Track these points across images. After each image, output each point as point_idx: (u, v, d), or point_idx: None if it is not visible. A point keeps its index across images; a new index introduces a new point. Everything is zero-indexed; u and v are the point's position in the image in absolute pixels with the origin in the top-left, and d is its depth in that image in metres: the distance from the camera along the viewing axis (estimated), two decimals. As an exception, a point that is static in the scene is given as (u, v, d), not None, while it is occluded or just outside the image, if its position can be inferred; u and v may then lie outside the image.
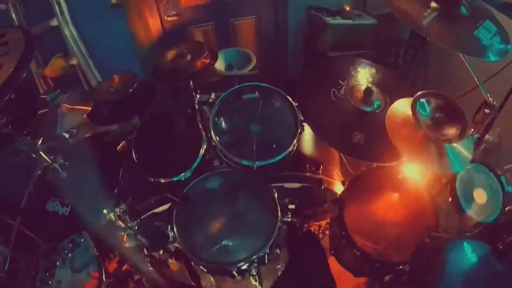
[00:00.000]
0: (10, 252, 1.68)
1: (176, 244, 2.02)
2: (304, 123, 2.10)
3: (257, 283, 2.01)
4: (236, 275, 1.76)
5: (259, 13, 3.08)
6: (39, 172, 1.70)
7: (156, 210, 2.03)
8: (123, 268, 2.00)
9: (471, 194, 1.68)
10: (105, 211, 1.80)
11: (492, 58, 1.50)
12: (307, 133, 2.20)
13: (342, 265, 1.93)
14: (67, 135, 1.65)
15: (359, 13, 3.04)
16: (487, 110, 1.67)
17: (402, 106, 1.73)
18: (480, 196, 1.65)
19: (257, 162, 1.94)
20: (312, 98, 2.05)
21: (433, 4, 1.52)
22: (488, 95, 1.67)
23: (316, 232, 2.21)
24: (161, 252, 2.08)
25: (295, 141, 2.03)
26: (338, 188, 2.15)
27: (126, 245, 2.02)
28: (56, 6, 2.51)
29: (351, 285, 2.00)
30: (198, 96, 2.15)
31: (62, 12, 2.56)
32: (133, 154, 1.95)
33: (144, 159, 1.98)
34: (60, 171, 1.64)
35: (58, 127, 1.60)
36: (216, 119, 2.08)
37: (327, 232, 2.13)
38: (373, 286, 1.92)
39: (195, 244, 1.74)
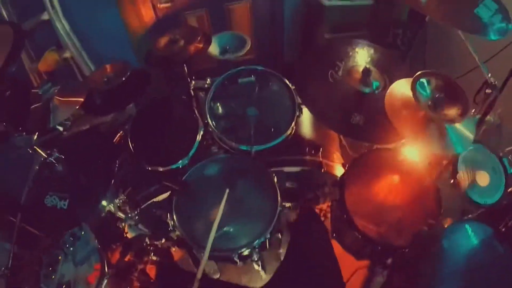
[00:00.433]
0: (13, 248, 1.64)
1: (177, 233, 2.00)
2: (302, 106, 2.03)
3: (260, 268, 2.00)
4: (237, 261, 1.73)
5: (254, -4, 2.97)
6: (37, 167, 1.64)
7: (156, 199, 1.99)
8: (126, 259, 1.98)
9: (473, 176, 1.63)
10: (104, 202, 1.77)
11: (493, 37, 1.43)
12: (306, 116, 2.13)
13: (344, 248, 1.90)
14: (61, 128, 1.59)
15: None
16: (488, 91, 1.60)
17: (401, 87, 1.67)
18: (482, 178, 1.60)
19: (255, 147, 1.88)
20: (310, 81, 1.99)
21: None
22: (489, 75, 1.59)
23: (318, 216, 2.17)
24: (163, 240, 2.06)
25: (293, 124, 1.96)
26: (339, 171, 2.10)
27: (128, 235, 2.00)
28: (47, -1, 2.42)
29: (353, 267, 1.97)
30: (193, 82, 2.07)
31: (53, 5, 2.47)
32: (129, 143, 1.89)
33: (140, 148, 1.92)
34: (56, 164, 1.59)
35: (51, 120, 1.53)
36: (212, 104, 2.01)
37: (329, 215, 2.10)
38: (375, 269, 1.89)
39: (196, 232, 1.70)
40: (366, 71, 1.79)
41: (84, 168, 1.65)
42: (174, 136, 2.00)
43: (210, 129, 1.95)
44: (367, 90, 1.82)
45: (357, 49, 1.96)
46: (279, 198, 1.75)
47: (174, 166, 1.89)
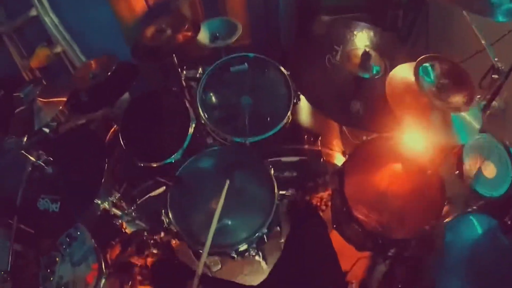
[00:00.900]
0: (12, 250, 1.59)
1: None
2: (299, 93, 1.90)
3: (261, 259, 1.94)
4: (235, 256, 1.67)
5: (249, -22, 2.77)
6: (29, 169, 1.57)
7: (152, 194, 1.91)
8: (126, 253, 1.94)
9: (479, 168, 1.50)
10: (98, 201, 1.70)
11: (500, 18, 1.27)
12: (304, 103, 2.00)
13: (345, 239, 1.82)
14: (47, 130, 1.50)
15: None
16: (495, 76, 1.45)
17: (403, 72, 1.53)
18: (488, 169, 1.47)
19: (250, 138, 1.76)
20: (306, 66, 1.85)
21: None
22: (496, 59, 1.44)
23: (318, 204, 2.09)
24: (163, 234, 2.01)
25: (289, 113, 1.84)
26: (338, 159, 1.99)
27: (127, 230, 1.94)
28: (34, -5, 2.29)
29: (355, 257, 1.90)
30: (184, 72, 1.94)
31: (40, 1, 2.34)
32: (121, 140, 1.79)
33: (132, 143, 1.82)
34: (46, 167, 1.50)
35: (35, 122, 1.44)
36: (203, 94, 1.88)
37: (329, 204, 2.01)
38: (377, 259, 1.82)
39: (193, 227, 1.64)
40: (366, 55, 1.65)
41: (74, 168, 1.57)
42: (166, 129, 1.88)
43: (203, 121, 1.84)
44: (366, 75, 1.68)
45: (355, 32, 1.80)
46: (276, 191, 1.65)
47: (167, 161, 1.79)
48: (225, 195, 1.62)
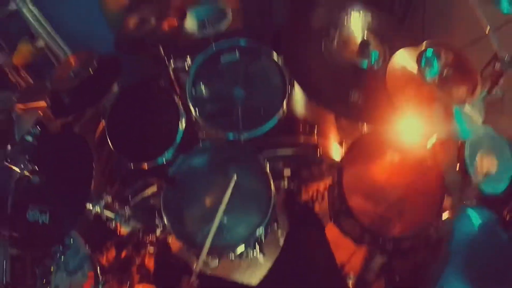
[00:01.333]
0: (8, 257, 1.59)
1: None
2: (294, 82, 1.82)
3: (258, 254, 1.94)
4: (233, 257, 1.66)
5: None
6: (16, 179, 1.52)
7: (145, 193, 1.87)
8: (123, 254, 1.94)
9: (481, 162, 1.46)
10: (89, 206, 1.67)
11: (506, 10, 1.19)
12: (298, 91, 1.92)
13: (341, 232, 1.80)
14: (29, 138, 1.44)
15: None
16: (497, 65, 1.37)
17: (404, 59, 1.45)
18: (490, 164, 1.43)
19: (244, 135, 1.70)
20: (301, 52, 1.75)
21: None
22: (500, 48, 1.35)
23: (314, 196, 2.07)
24: (158, 232, 1.99)
25: (284, 106, 1.76)
26: (335, 150, 1.95)
27: (122, 231, 1.93)
28: (10, -12, 2.13)
29: (351, 249, 1.89)
30: (172, 64, 1.85)
31: (19, -7, 2.19)
32: (108, 140, 1.73)
33: (121, 144, 1.74)
34: (31, 177, 1.45)
35: (16, 131, 1.38)
36: (193, 87, 1.80)
37: (326, 195, 1.99)
38: (374, 252, 1.83)
39: (188, 228, 1.61)
40: (365, 44, 1.55)
41: (61, 176, 1.51)
42: (156, 126, 1.80)
43: (194, 116, 1.76)
44: (365, 63, 1.60)
45: (352, 14, 1.70)
46: (272, 186, 1.61)
47: (159, 161, 1.74)
48: (219, 192, 1.59)
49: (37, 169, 1.45)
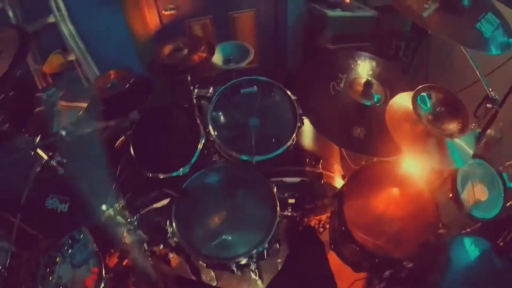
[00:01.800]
0: (12, 247, 1.67)
1: (175, 239, 2.02)
2: (304, 118, 2.07)
3: (257, 277, 2.01)
4: (235, 270, 1.75)
5: (258, 6, 3.03)
6: (38, 169, 1.67)
7: (156, 205, 2.02)
8: (124, 263, 2.00)
9: (472, 190, 1.65)
10: (104, 207, 1.80)
11: (494, 52, 1.46)
12: (307, 127, 2.17)
13: (342, 260, 1.91)
14: (64, 132, 1.63)
15: (359, 5, 2.99)
16: (489, 105, 1.63)
17: (402, 100, 1.70)
18: (481, 192, 1.62)
19: (256, 157, 1.91)
20: (312, 92, 2.02)
21: (434, -4, 1.48)
22: (490, 89, 1.63)
23: (316, 226, 2.19)
24: (161, 247, 2.09)
25: (294, 135, 2.00)
26: (338, 182, 2.13)
27: (126, 240, 2.02)
28: (53, 2, 2.48)
29: (351, 279, 1.99)
30: (196, 90, 2.12)
31: (59, 8, 2.53)
32: (131, 149, 1.93)
33: (142, 154, 1.95)
34: (58, 168, 1.62)
35: (54, 124, 1.57)
36: (214, 113, 2.05)
37: (327, 226, 2.12)
38: (373, 281, 1.91)
39: (195, 239, 1.73)
40: (368, 84, 1.83)
41: (86, 173, 1.68)
42: (176, 143, 2.03)
43: (212, 138, 1.99)
44: (368, 102, 1.86)
45: (359, 62, 2.00)
46: (278, 209, 1.77)
47: (174, 174, 1.92)
48: (226, 211, 1.73)
49: (64, 161, 1.61)
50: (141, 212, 1.97)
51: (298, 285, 1.73)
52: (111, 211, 1.82)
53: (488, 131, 1.76)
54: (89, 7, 2.61)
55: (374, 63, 1.99)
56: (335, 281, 1.82)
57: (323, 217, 2.19)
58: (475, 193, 1.58)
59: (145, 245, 2.02)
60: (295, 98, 2.10)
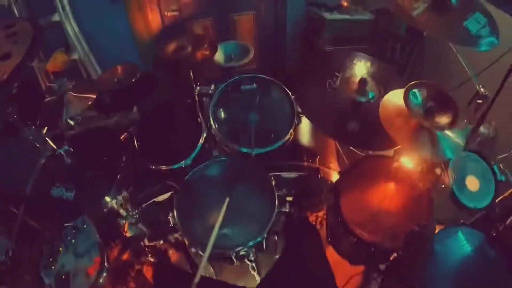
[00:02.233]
0: (13, 244, 1.73)
1: (175, 235, 2.11)
2: (301, 115, 2.18)
3: (255, 273, 2.09)
4: (234, 260, 1.83)
5: (258, 8, 3.17)
6: (44, 159, 1.76)
7: (157, 199, 2.11)
8: (124, 258, 2.08)
9: (463, 181, 1.75)
10: (107, 198, 1.89)
11: (483, 48, 1.58)
12: (305, 125, 2.28)
13: (338, 253, 1.99)
14: (72, 122, 1.73)
15: (356, 8, 3.14)
16: (479, 101, 1.75)
17: (395, 97, 1.81)
18: (472, 183, 1.73)
19: (255, 150, 2.02)
20: (309, 89, 2.13)
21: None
22: (480, 85, 1.74)
23: (314, 223, 2.28)
24: (161, 242, 2.16)
25: (291, 130, 2.11)
26: (335, 178, 2.22)
27: (127, 234, 2.10)
28: (58, 1, 2.59)
29: (348, 274, 2.06)
30: (198, 87, 2.23)
31: (63, 7, 2.63)
32: (135, 142, 2.03)
33: (145, 147, 2.06)
34: (65, 157, 1.71)
35: (64, 113, 1.67)
36: (215, 109, 2.17)
37: (325, 223, 2.20)
38: (370, 275, 1.99)
39: (195, 231, 1.81)
40: (363, 81, 1.95)
41: (92, 163, 1.77)
42: (178, 137, 2.14)
43: (213, 132, 2.10)
44: (362, 99, 1.98)
45: (355, 61, 2.13)
46: (276, 201, 1.86)
47: (176, 166, 2.02)
48: (225, 210, 1.81)
49: (72, 151, 1.71)
50: (143, 206, 2.06)
51: (295, 276, 1.81)
52: (114, 203, 1.91)
53: (482, 129, 1.87)
54: (94, 6, 2.72)
55: (369, 63, 2.12)
56: (332, 272, 1.90)
57: (320, 213, 2.28)
58: (467, 184, 1.68)
59: (145, 239, 2.10)
60: (293, 95, 2.21)
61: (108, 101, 1.93)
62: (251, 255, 1.85)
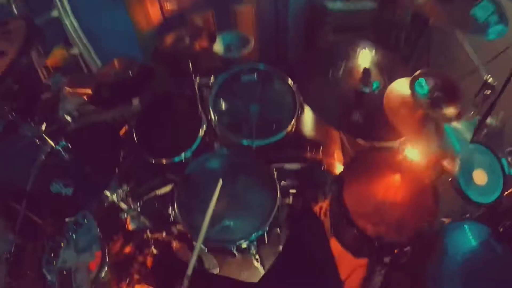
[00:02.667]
0: (16, 236, 1.71)
1: (178, 227, 2.07)
2: (304, 105, 2.11)
3: (258, 264, 2.05)
4: (236, 253, 1.79)
5: (259, -1, 3.08)
6: (43, 155, 1.72)
7: (158, 192, 2.06)
8: (127, 250, 2.05)
9: (470, 175, 1.67)
10: (108, 192, 1.85)
11: (490, 37, 1.50)
12: (308, 116, 2.21)
13: (342, 245, 1.94)
14: (69, 118, 1.68)
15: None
16: (487, 91, 1.66)
17: (400, 86, 1.73)
18: (480, 177, 1.65)
19: (256, 142, 1.95)
20: (312, 79, 2.06)
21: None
22: (489, 76, 1.65)
23: (318, 214, 2.23)
24: (164, 234, 2.13)
25: (293, 121, 2.04)
26: (339, 169, 2.16)
27: (129, 227, 2.06)
28: (57, -3, 2.53)
29: (352, 266, 2.01)
30: (198, 79, 2.16)
31: (62, 3, 2.58)
32: (134, 136, 1.97)
33: (145, 140, 2.01)
34: (63, 153, 1.66)
35: (60, 109, 1.62)
36: (215, 100, 2.10)
37: (328, 213, 2.15)
38: (373, 267, 1.94)
39: (196, 223, 1.75)
40: (366, 71, 1.86)
41: (90, 158, 1.72)
42: (178, 130, 2.08)
43: (213, 124, 2.03)
44: (366, 89, 1.89)
45: (359, 50, 2.04)
46: (278, 193, 1.81)
47: (176, 159, 1.96)
48: (227, 197, 1.77)
49: (70, 147, 1.65)
50: (144, 199, 2.01)
51: (299, 267, 1.76)
52: (114, 197, 1.86)
53: (490, 121, 1.79)
54: (92, 1, 2.66)
55: (373, 52, 2.02)
56: (336, 264, 1.85)
57: (324, 204, 2.22)
58: (475, 177, 1.60)
59: (148, 232, 2.07)
60: (295, 85, 2.13)
61: (106, 95, 1.87)
62: (253, 248, 1.80)
